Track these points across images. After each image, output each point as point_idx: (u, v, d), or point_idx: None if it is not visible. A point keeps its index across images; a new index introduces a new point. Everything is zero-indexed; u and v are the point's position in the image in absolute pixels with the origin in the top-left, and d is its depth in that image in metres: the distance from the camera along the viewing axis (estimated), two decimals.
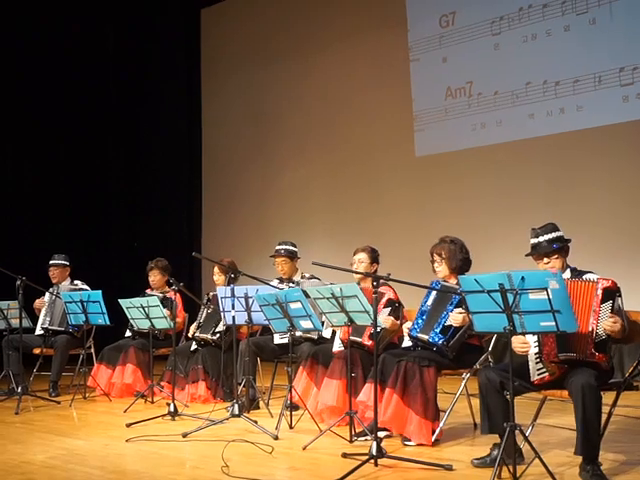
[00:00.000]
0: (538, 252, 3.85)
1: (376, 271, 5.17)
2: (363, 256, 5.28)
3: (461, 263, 4.63)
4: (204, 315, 6.38)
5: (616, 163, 7.09)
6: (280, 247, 6.09)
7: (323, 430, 4.47)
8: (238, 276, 5.42)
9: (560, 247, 3.83)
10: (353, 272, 5.10)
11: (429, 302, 4.63)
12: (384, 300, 4.92)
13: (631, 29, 6.98)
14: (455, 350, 4.40)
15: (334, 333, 5.41)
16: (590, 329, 3.55)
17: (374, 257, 5.29)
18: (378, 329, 4.81)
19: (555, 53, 7.44)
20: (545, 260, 3.83)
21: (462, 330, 4.36)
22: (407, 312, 5.07)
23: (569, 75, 7.34)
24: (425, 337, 4.47)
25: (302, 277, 6.08)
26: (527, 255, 3.92)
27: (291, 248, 6.08)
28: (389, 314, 4.87)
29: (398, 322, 4.84)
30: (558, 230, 3.88)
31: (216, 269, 6.41)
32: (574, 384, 3.45)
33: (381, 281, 4.33)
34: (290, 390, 4.97)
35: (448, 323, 4.41)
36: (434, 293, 4.61)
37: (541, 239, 3.84)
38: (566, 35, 7.40)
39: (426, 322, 4.54)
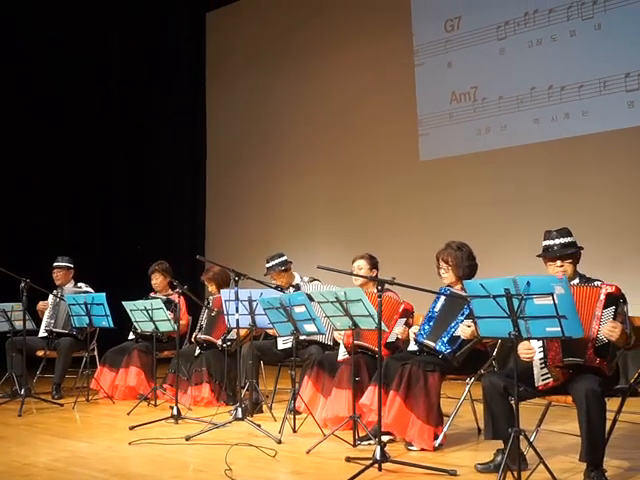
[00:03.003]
0: (551, 254, 3.83)
1: (376, 277, 5.15)
2: (362, 263, 5.29)
3: (468, 270, 4.60)
4: (205, 317, 6.37)
5: (621, 168, 7.08)
6: (269, 264, 6.06)
7: (327, 434, 4.46)
8: (241, 279, 5.41)
9: (574, 252, 3.82)
10: (358, 276, 5.10)
11: (437, 308, 4.59)
12: (400, 310, 4.88)
13: (637, 34, 6.97)
14: (461, 361, 4.37)
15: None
16: (592, 333, 3.55)
17: (373, 263, 5.31)
18: (393, 339, 4.81)
19: (560, 58, 7.45)
20: (558, 263, 3.81)
21: (470, 343, 4.30)
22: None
23: (574, 80, 7.34)
24: (432, 344, 4.44)
25: (301, 280, 6.08)
26: (538, 256, 3.89)
27: (280, 260, 6.06)
28: (404, 324, 4.84)
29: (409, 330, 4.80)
30: (572, 235, 3.87)
31: (205, 279, 6.40)
32: (578, 390, 3.44)
33: (386, 286, 4.30)
34: (294, 394, 4.96)
35: (457, 333, 4.38)
36: (442, 299, 4.59)
37: (556, 241, 3.83)
38: (572, 40, 7.40)
39: (433, 329, 4.51)
